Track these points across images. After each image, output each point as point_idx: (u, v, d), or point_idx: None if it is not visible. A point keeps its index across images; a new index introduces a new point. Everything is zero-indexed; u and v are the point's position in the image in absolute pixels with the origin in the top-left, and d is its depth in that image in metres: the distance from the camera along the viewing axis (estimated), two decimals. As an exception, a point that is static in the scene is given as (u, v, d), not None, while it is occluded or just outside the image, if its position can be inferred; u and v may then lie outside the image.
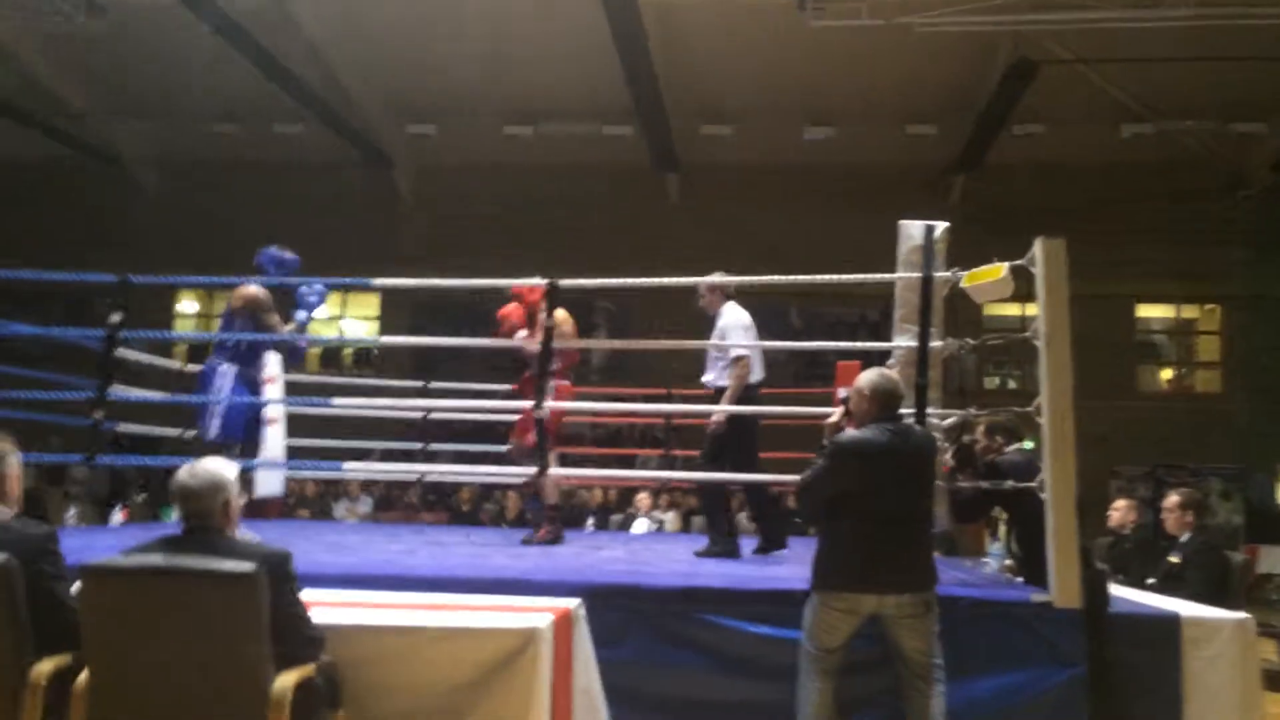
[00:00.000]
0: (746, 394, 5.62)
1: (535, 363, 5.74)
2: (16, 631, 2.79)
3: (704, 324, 6.06)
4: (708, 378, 5.78)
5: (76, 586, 2.84)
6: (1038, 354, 3.95)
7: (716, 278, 5.85)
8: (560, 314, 5.92)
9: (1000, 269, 4.11)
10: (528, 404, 5.14)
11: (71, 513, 7.93)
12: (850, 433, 3.69)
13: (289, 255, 5.79)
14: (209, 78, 13.78)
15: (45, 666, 2.79)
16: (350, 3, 12.62)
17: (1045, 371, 3.91)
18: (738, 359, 5.59)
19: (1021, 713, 3.76)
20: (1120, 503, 7.10)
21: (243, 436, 5.40)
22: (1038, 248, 3.98)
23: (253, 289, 5.48)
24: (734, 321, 5.77)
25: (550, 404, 5.03)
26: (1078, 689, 3.78)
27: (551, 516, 6.27)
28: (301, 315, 5.69)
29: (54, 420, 6.27)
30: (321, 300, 5.76)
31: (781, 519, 6.47)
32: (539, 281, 5.22)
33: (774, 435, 8.90)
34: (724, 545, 5.65)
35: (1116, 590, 5.11)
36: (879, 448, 3.64)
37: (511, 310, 6.17)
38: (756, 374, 5.73)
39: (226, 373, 5.41)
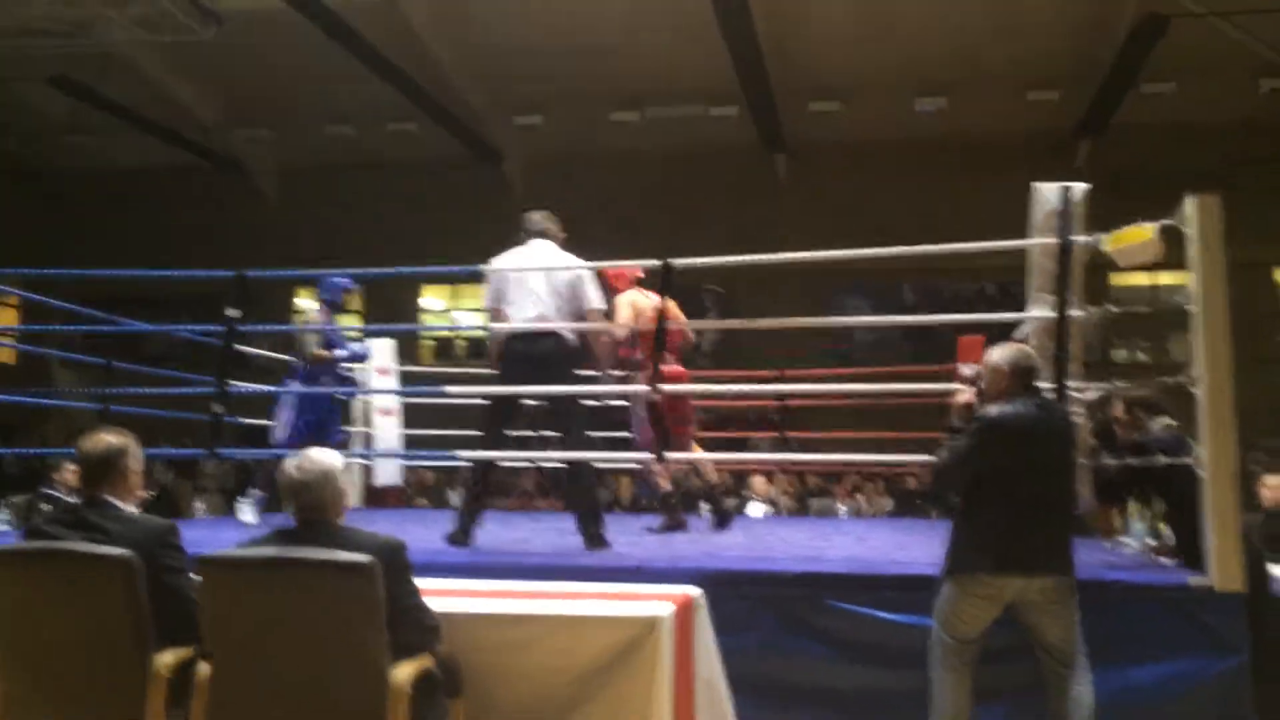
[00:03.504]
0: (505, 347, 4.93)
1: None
2: (138, 624, 2.80)
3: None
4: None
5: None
6: (1171, 325, 3.67)
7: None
8: (630, 295, 5.88)
9: (1148, 231, 3.82)
10: (642, 389, 5.02)
11: (200, 505, 8.16)
12: (996, 408, 3.46)
13: (336, 279, 6.37)
14: (322, 81, 14.08)
15: (167, 658, 2.79)
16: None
17: (1200, 339, 3.62)
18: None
19: (1180, 703, 3.50)
20: (1272, 478, 6.63)
21: (307, 438, 5.83)
22: (1190, 206, 3.68)
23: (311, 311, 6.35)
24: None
25: (665, 388, 4.89)
26: (1241, 678, 3.50)
27: (672, 506, 6.15)
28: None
29: (186, 417, 6.51)
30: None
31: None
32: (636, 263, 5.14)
33: (889, 414, 8.68)
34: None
35: (1276, 570, 4.77)
36: (1026, 423, 3.42)
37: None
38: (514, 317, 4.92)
39: (290, 385, 6.23)
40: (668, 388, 5.14)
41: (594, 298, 5.01)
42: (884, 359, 14.77)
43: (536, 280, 4.93)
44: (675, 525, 6.06)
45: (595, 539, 4.78)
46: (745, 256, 5.04)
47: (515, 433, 5.58)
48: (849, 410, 9.61)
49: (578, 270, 4.99)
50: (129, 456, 3.11)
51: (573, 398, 5.00)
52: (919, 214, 14.44)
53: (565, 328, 4.93)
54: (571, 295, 4.96)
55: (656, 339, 4.80)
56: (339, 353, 6.26)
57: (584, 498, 4.94)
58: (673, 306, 5.92)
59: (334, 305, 6.41)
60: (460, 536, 4.85)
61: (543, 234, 5.14)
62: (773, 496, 9.62)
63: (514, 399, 5.02)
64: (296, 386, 6.14)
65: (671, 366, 5.86)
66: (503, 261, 5.02)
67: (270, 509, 6.22)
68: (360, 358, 6.49)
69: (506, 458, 5.32)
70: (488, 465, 5.05)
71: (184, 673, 2.79)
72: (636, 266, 5.78)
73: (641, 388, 5.06)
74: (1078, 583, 3.47)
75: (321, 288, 6.40)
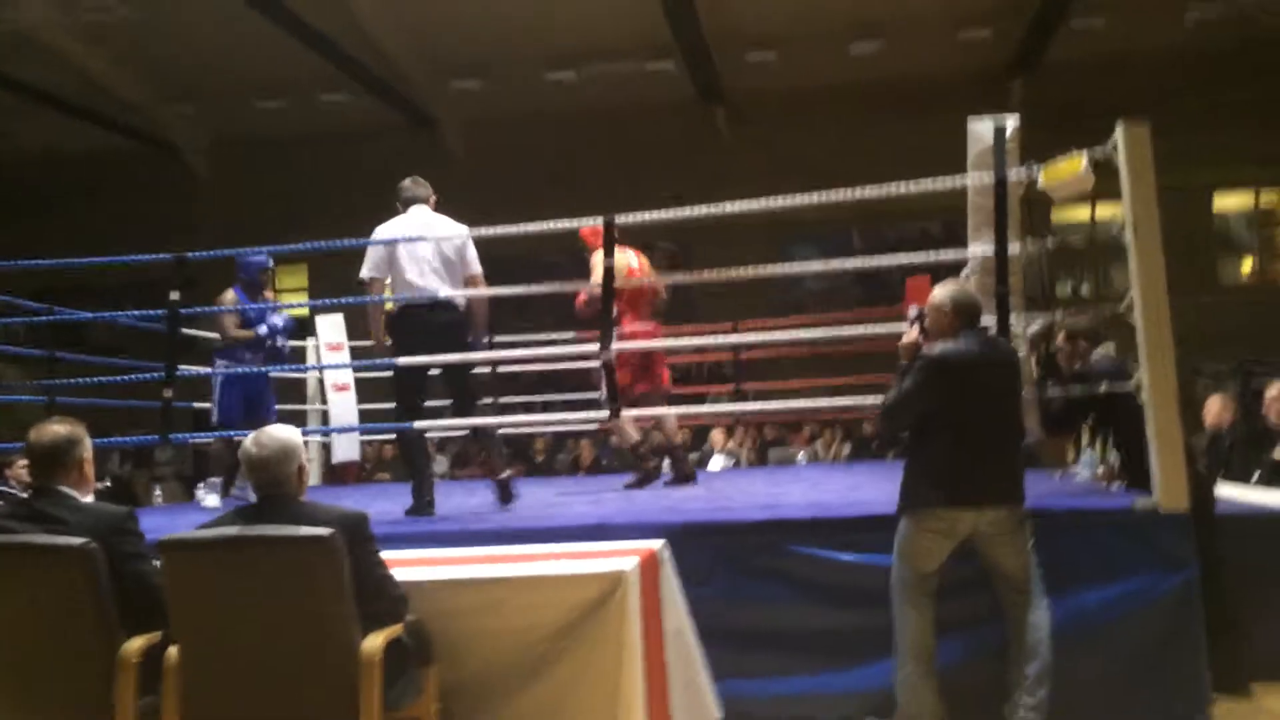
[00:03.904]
0: (399, 318, 4.99)
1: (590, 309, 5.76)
2: (102, 613, 2.78)
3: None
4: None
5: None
6: (1112, 257, 3.74)
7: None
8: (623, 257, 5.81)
9: (1079, 161, 3.88)
10: (592, 348, 5.02)
11: (157, 493, 8.07)
12: (940, 345, 3.53)
13: (253, 258, 6.30)
14: (247, 54, 13.76)
15: (135, 644, 2.78)
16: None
17: (1135, 264, 3.69)
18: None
19: (1134, 621, 3.60)
20: (1215, 401, 6.80)
21: (241, 415, 6.03)
22: (1120, 133, 3.74)
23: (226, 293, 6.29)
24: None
25: (618, 346, 4.91)
26: (1190, 593, 3.61)
27: (642, 455, 6.27)
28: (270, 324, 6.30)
29: (136, 406, 6.45)
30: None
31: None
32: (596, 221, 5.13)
33: (843, 361, 8.79)
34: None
35: (1222, 489, 4.91)
36: (970, 359, 3.48)
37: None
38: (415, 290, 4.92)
39: (219, 365, 6.18)
40: (629, 345, 5.25)
41: (475, 262, 5.06)
42: (835, 304, 14.96)
43: (426, 248, 4.93)
44: (649, 476, 6.12)
45: (506, 495, 4.97)
46: (687, 209, 5.04)
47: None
48: (803, 360, 9.70)
49: (462, 238, 5.02)
50: (80, 445, 3.07)
51: (470, 367, 5.10)
52: (861, 159, 14.50)
53: (463, 294, 4.98)
54: (460, 261, 5.01)
55: (604, 299, 4.81)
56: (260, 330, 6.20)
57: (491, 458, 5.06)
58: (645, 263, 5.93)
59: (251, 285, 6.30)
60: (424, 508, 4.87)
61: (420, 200, 5.15)
62: (732, 449, 9.70)
63: (424, 370, 5.01)
64: (222, 366, 6.15)
65: (644, 324, 5.95)
66: (388, 231, 5.01)
67: (229, 492, 6.19)
68: (278, 330, 6.32)
69: (467, 424, 5.31)
70: (421, 434, 5.11)
71: (154, 658, 2.78)
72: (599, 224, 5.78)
73: (594, 347, 5.06)
74: (1029, 512, 3.57)
75: (238, 267, 6.30)
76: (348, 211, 15.34)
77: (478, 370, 5.36)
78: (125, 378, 5.46)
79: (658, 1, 12.23)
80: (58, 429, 3.06)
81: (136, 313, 5.89)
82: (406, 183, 5.21)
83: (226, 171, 16.83)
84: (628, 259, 5.88)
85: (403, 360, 4.86)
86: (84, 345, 14.16)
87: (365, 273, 4.99)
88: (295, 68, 13.92)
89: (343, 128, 15.71)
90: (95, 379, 5.59)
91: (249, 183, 16.07)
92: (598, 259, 5.71)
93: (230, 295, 6.26)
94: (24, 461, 7.39)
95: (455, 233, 5.00)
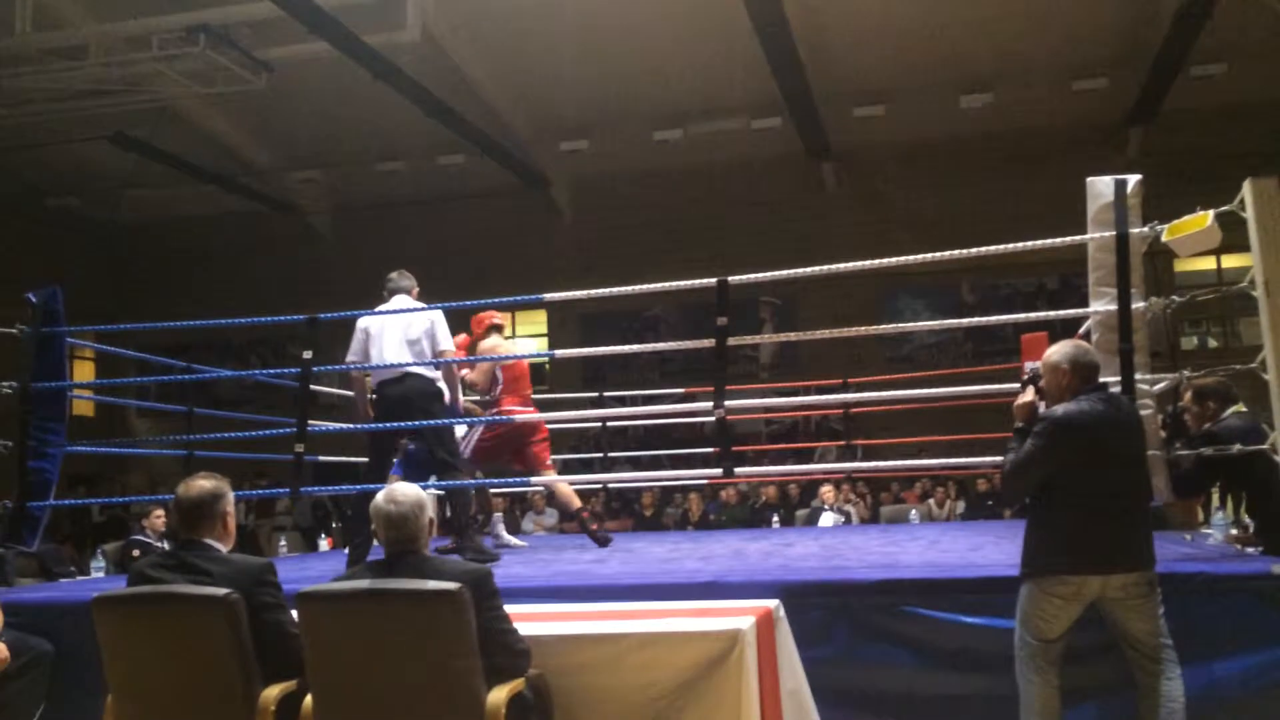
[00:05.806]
0: (376, 390, 5.58)
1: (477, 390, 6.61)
2: (244, 661, 2.91)
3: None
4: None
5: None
6: (1241, 309, 3.64)
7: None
8: (491, 341, 6.62)
9: (1205, 218, 3.80)
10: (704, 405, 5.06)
11: (282, 543, 8.35)
12: (1063, 407, 3.44)
13: None
14: (371, 120, 14.37)
15: (272, 693, 2.90)
16: (495, 31, 12.91)
17: (1268, 323, 3.58)
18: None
19: (1275, 694, 3.44)
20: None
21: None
22: (1247, 189, 3.66)
23: None
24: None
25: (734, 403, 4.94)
26: (1335, 667, 3.44)
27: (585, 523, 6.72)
28: None
29: (255, 458, 6.72)
30: None
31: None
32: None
33: (955, 415, 8.64)
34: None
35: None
36: (1095, 420, 3.39)
37: (462, 341, 6.62)
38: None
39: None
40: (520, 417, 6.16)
41: (443, 340, 5.51)
42: (945, 358, 14.73)
43: (393, 332, 5.44)
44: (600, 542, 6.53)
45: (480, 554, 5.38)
46: (799, 270, 5.07)
47: (581, 456, 5.90)
48: (914, 413, 9.56)
49: (429, 319, 5.48)
50: (224, 500, 3.24)
51: (446, 431, 5.57)
52: (972, 211, 14.37)
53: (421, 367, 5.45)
54: (429, 339, 5.47)
55: (718, 356, 4.88)
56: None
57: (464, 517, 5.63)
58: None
59: None
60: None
61: (402, 291, 5.70)
62: (842, 505, 9.59)
63: (393, 437, 5.59)
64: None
65: (522, 406, 6.57)
66: (368, 318, 5.52)
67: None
68: None
69: (576, 481, 5.46)
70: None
71: (290, 707, 2.89)
72: (493, 312, 6.55)
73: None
74: (1159, 576, 3.45)
75: None
76: (467, 268, 15.91)
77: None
78: (260, 433, 5.70)
79: (764, 59, 12.36)
80: (204, 484, 3.23)
81: (272, 371, 6.17)
82: (393, 275, 5.78)
83: (349, 232, 17.53)
84: (515, 348, 6.57)
85: (521, 418, 5.09)
86: (211, 397, 14.90)
87: (349, 356, 5.53)
88: (414, 132, 14.47)
89: (459, 189, 16.21)
90: (230, 434, 5.86)
91: (370, 242, 16.66)
92: (488, 344, 6.58)
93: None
94: (159, 512, 7.78)
95: (420, 315, 5.49)
